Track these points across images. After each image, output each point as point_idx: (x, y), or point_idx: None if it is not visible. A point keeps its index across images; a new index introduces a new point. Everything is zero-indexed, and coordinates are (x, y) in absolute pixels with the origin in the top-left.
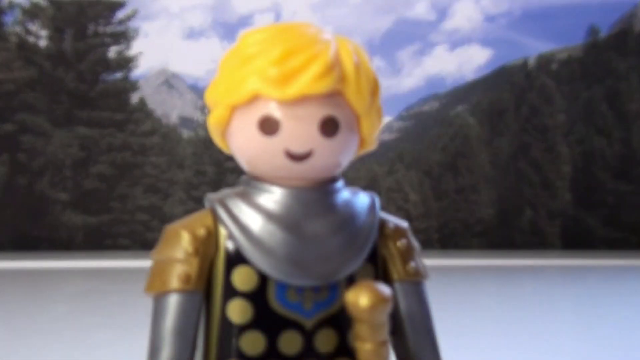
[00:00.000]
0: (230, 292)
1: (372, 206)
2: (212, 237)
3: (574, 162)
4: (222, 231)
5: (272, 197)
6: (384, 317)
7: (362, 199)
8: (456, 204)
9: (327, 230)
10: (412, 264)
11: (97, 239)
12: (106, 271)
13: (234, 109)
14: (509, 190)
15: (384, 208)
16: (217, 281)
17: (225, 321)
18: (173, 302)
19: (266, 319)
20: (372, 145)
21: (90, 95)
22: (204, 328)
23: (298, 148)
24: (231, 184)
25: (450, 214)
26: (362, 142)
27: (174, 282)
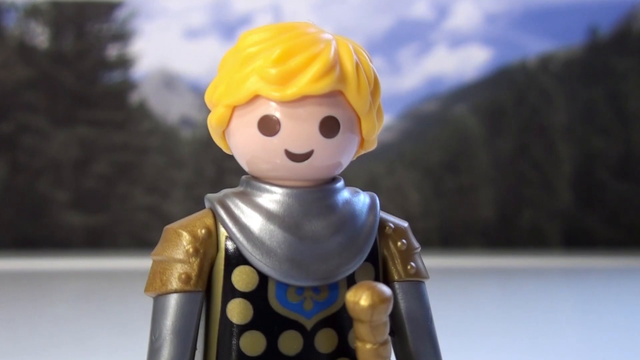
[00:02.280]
0: (230, 292)
1: (372, 206)
2: (212, 237)
3: (574, 162)
4: (223, 231)
5: (272, 197)
6: (384, 317)
7: (362, 199)
8: (456, 204)
9: (327, 230)
10: (412, 265)
11: (97, 239)
12: (106, 271)
13: (234, 109)
14: (509, 190)
15: (384, 208)
16: (217, 281)
17: (225, 321)
18: (173, 303)
19: (266, 319)
20: (372, 146)
21: (90, 95)
22: (204, 328)
23: (298, 148)
24: (231, 184)
25: (450, 213)
26: (362, 142)
27: (174, 282)
